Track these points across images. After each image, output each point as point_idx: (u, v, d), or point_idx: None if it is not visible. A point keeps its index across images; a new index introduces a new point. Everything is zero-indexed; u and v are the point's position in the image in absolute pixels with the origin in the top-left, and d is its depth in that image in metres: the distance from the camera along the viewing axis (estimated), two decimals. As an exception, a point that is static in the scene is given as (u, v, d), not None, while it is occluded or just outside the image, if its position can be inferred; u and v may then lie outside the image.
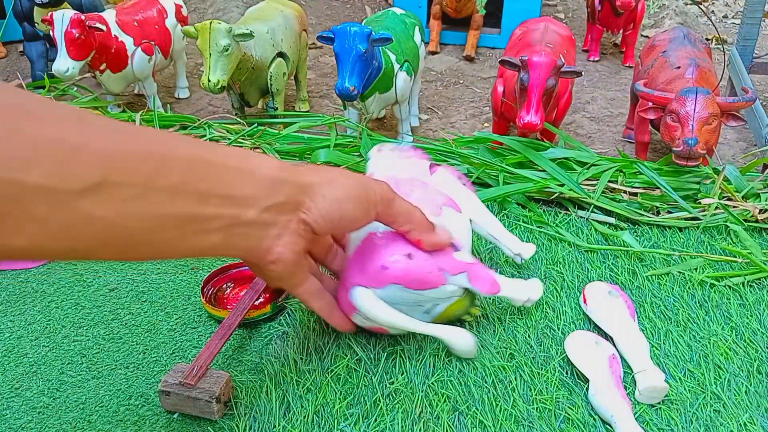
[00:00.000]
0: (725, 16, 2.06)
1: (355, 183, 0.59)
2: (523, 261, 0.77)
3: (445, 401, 0.62)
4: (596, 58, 1.66)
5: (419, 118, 1.32)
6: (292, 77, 1.30)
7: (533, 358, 0.67)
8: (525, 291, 0.69)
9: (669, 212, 0.92)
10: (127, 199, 0.44)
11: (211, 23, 1.06)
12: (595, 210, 0.91)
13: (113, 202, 0.43)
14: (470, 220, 0.71)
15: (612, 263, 0.82)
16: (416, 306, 0.64)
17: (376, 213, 0.60)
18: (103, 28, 1.14)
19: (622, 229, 0.88)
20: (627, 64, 1.64)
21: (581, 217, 0.90)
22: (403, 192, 0.64)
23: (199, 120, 1.10)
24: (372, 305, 0.61)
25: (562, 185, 0.93)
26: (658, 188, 0.94)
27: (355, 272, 0.63)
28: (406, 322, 0.63)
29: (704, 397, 0.63)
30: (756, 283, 0.78)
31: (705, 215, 0.89)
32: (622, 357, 0.66)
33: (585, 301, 0.72)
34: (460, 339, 0.64)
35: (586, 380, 0.63)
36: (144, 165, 0.45)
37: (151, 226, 0.47)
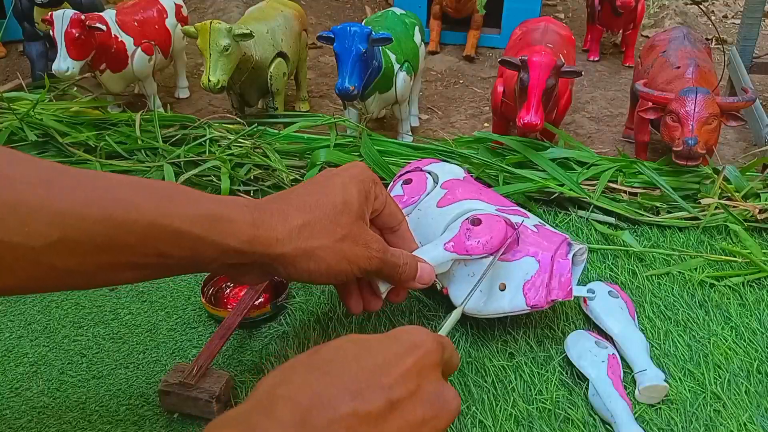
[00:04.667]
0: (725, 16, 2.06)
1: (338, 257, 0.55)
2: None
3: (445, 401, 0.62)
4: (596, 58, 1.66)
5: (419, 118, 1.32)
6: (292, 77, 1.30)
7: (533, 358, 0.67)
8: None
9: (669, 212, 0.92)
10: (86, 254, 0.48)
11: (211, 23, 1.06)
12: (595, 210, 0.91)
13: (73, 257, 0.47)
14: None
15: (612, 263, 0.82)
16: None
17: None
18: (103, 27, 1.14)
19: (622, 228, 0.88)
20: (627, 64, 1.64)
21: (581, 217, 0.90)
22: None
23: (199, 120, 1.10)
24: None
25: (562, 185, 0.93)
26: (658, 188, 0.94)
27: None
28: None
29: (704, 397, 0.63)
30: (756, 283, 0.78)
31: (705, 215, 0.89)
32: (622, 357, 0.66)
33: (585, 301, 0.72)
34: None
35: (586, 380, 0.63)
36: (101, 226, 0.48)
37: (112, 273, 0.51)
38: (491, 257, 0.65)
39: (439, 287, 0.69)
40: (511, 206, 0.73)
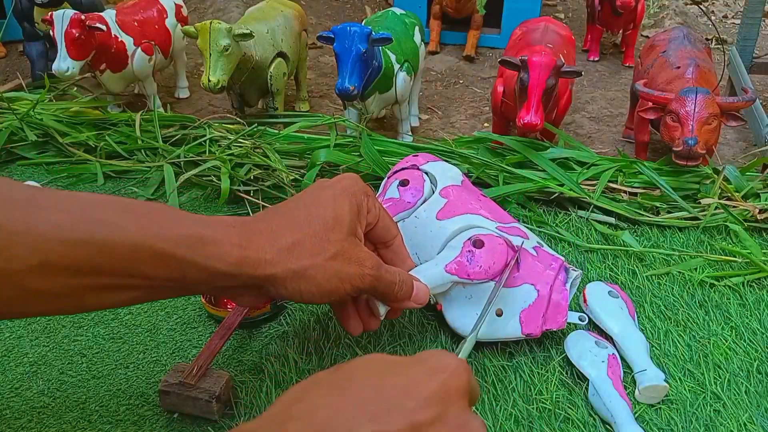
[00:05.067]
0: (725, 16, 2.06)
1: (329, 275, 0.53)
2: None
3: (445, 401, 0.62)
4: (596, 58, 1.66)
5: (419, 118, 1.32)
6: (292, 77, 1.30)
7: (533, 358, 0.67)
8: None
9: (669, 212, 0.92)
10: (70, 277, 0.47)
11: (211, 23, 1.06)
12: (595, 210, 0.91)
13: (58, 280, 0.46)
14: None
15: (612, 263, 0.82)
16: None
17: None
18: (103, 28, 1.14)
19: (622, 228, 0.88)
20: (627, 64, 1.64)
21: (581, 217, 0.90)
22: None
23: (199, 120, 1.10)
24: None
25: (562, 185, 0.93)
26: (658, 188, 0.94)
27: None
28: None
29: (704, 397, 0.63)
30: (756, 283, 0.78)
31: (705, 215, 0.89)
32: (622, 357, 0.66)
33: (585, 301, 0.72)
34: None
35: (586, 380, 0.63)
36: (83, 249, 0.47)
37: (101, 296, 0.49)
38: (494, 282, 0.65)
39: (432, 302, 0.68)
40: (511, 222, 0.72)
